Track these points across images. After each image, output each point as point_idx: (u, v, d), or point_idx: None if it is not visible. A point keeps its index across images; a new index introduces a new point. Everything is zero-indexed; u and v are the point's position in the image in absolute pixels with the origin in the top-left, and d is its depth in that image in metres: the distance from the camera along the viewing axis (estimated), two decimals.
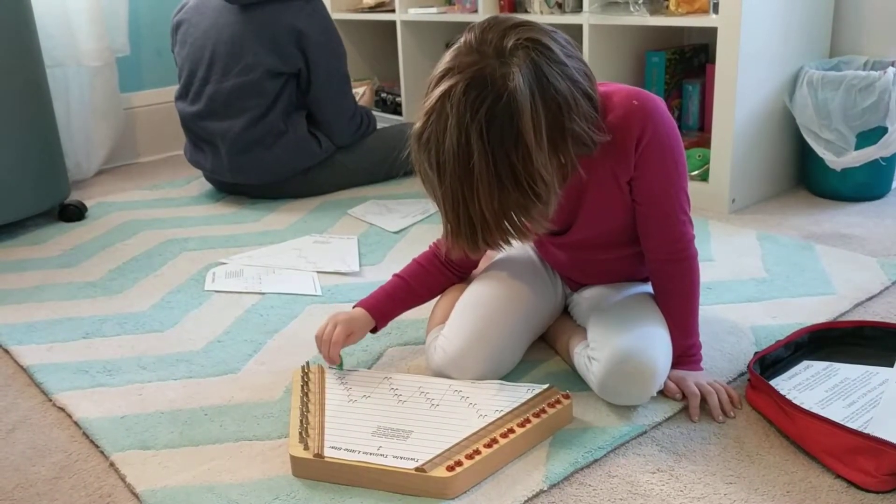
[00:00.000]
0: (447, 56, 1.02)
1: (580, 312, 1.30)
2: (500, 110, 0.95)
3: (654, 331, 1.15)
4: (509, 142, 0.96)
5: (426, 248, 1.34)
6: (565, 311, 1.37)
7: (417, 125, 1.01)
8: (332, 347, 1.23)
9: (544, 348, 1.33)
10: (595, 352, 1.15)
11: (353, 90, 2.54)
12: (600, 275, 1.29)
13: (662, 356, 1.13)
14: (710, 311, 1.43)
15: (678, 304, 1.20)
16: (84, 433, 1.18)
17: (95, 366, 1.37)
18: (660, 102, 1.12)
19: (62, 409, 1.25)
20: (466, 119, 0.95)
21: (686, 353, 1.19)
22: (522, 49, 0.97)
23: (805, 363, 1.22)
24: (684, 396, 1.15)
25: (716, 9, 1.88)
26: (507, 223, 1.01)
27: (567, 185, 1.07)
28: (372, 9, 2.85)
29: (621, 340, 1.12)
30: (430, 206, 2.08)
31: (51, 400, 1.28)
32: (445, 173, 0.98)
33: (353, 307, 1.29)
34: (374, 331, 1.30)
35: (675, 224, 1.16)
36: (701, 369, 1.19)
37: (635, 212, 1.17)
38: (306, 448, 1.06)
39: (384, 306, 1.29)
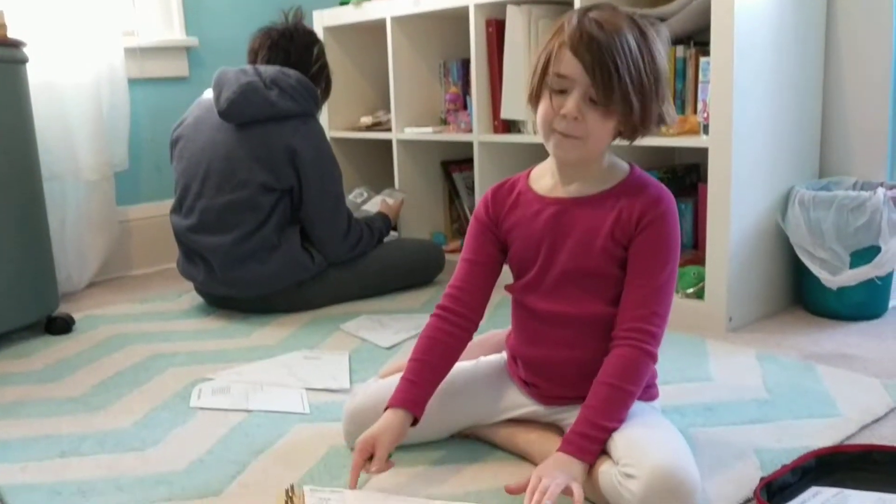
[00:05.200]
0: None
1: None
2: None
3: (683, 444, 1.13)
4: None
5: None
6: (541, 429, 1.32)
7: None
8: (351, 478, 1.20)
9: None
10: (631, 468, 1.08)
11: (385, 199, 2.58)
12: (572, 365, 1.25)
13: (697, 472, 1.09)
14: (713, 434, 1.38)
15: (621, 390, 1.16)
16: None
17: (69, 487, 1.30)
18: (676, 207, 1.24)
19: None
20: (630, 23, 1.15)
21: (588, 438, 1.13)
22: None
23: (814, 489, 1.17)
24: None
25: (706, 130, 1.92)
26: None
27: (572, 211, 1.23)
28: (369, 128, 2.91)
29: (660, 456, 1.07)
30: (424, 322, 2.06)
31: None
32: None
33: (384, 410, 1.25)
34: (414, 423, 1.25)
35: (648, 306, 1.19)
36: (591, 463, 1.13)
37: (611, 276, 1.21)
38: None
39: (411, 395, 1.25)
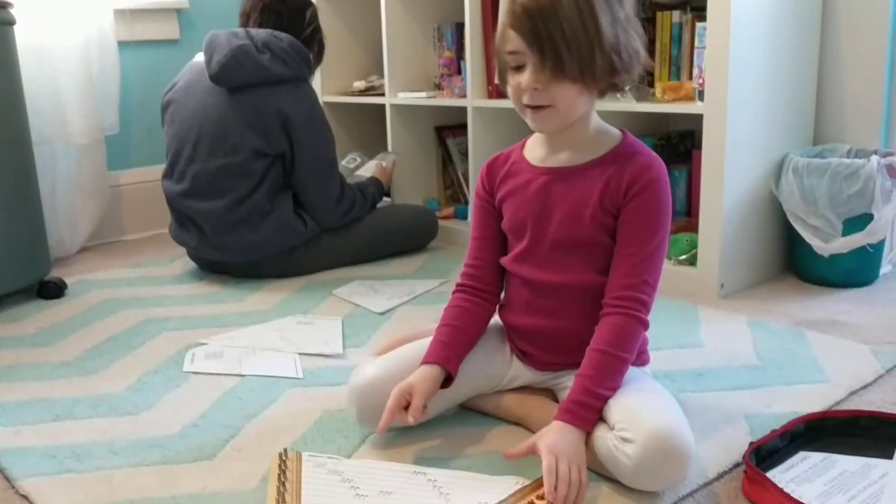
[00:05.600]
0: None
1: None
2: None
3: (678, 409, 1.13)
4: None
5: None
6: (537, 394, 1.33)
7: None
8: (384, 420, 1.18)
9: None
10: (627, 432, 1.08)
11: (379, 163, 2.57)
12: (565, 334, 1.26)
13: (692, 437, 1.09)
14: (703, 399, 1.39)
15: (613, 355, 1.16)
16: None
17: (64, 450, 1.31)
18: (667, 175, 1.23)
19: (25, 498, 1.18)
20: None
21: (585, 406, 1.13)
22: None
23: (802, 454, 1.18)
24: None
25: (701, 96, 1.91)
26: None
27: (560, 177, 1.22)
28: (362, 92, 2.89)
29: (656, 420, 1.08)
30: (417, 288, 2.08)
31: (14, 487, 1.21)
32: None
33: (420, 365, 1.25)
34: (446, 384, 1.26)
35: (638, 274, 1.19)
36: (588, 431, 1.13)
37: (601, 245, 1.21)
38: None
39: (444, 353, 1.26)
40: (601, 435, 1.13)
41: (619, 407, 1.13)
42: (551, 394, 1.33)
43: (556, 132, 1.24)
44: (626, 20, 1.17)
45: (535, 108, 1.19)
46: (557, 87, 1.15)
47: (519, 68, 1.17)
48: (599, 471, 1.14)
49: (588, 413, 1.13)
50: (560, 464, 1.06)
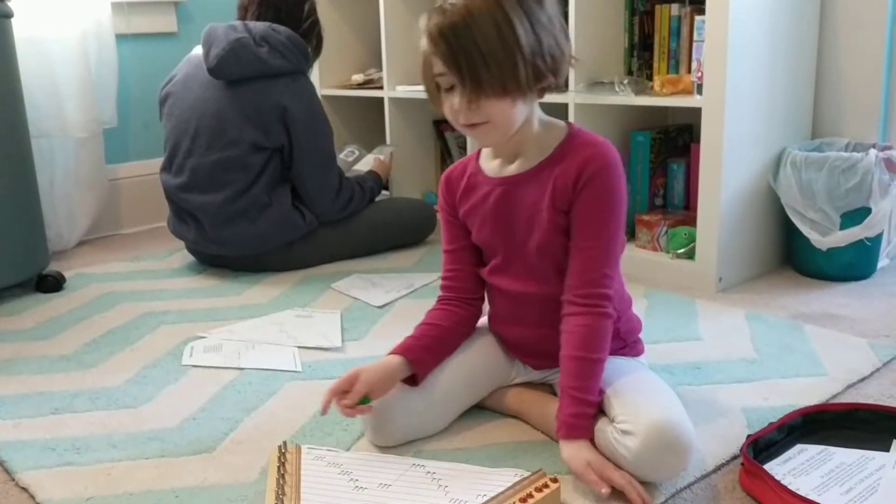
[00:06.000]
0: None
1: None
2: None
3: (676, 401, 1.13)
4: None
5: (416, 322, 1.32)
6: (535, 388, 1.34)
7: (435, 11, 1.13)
8: (324, 401, 1.19)
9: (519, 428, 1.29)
10: (627, 424, 1.08)
11: (377, 157, 2.57)
12: (548, 341, 1.23)
13: (692, 428, 1.09)
14: (700, 392, 1.40)
15: (589, 359, 1.15)
16: None
17: (63, 443, 1.31)
18: (619, 158, 1.19)
19: (25, 490, 1.19)
20: None
21: (582, 416, 1.13)
22: None
23: (799, 447, 1.19)
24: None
25: (700, 90, 1.91)
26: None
27: (507, 186, 1.21)
28: (360, 86, 2.88)
29: (656, 411, 1.08)
30: (415, 282, 2.08)
31: (14, 480, 1.22)
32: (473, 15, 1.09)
33: (387, 355, 1.24)
34: (413, 382, 1.24)
35: (597, 268, 1.16)
36: (590, 437, 1.13)
37: (568, 248, 1.19)
38: None
39: (416, 346, 1.24)
40: (601, 428, 1.13)
41: (619, 400, 1.13)
42: (549, 388, 1.34)
43: (500, 143, 1.22)
44: (549, 20, 1.14)
45: (473, 125, 1.16)
46: (488, 102, 1.13)
47: (451, 89, 1.15)
48: None
49: (585, 422, 1.13)
50: (611, 478, 1.07)
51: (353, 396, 1.18)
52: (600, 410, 1.15)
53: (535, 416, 1.28)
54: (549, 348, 1.22)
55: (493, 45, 1.09)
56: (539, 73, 1.13)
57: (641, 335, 1.35)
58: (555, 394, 1.29)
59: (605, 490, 1.05)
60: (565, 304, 1.19)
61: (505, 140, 1.20)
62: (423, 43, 1.15)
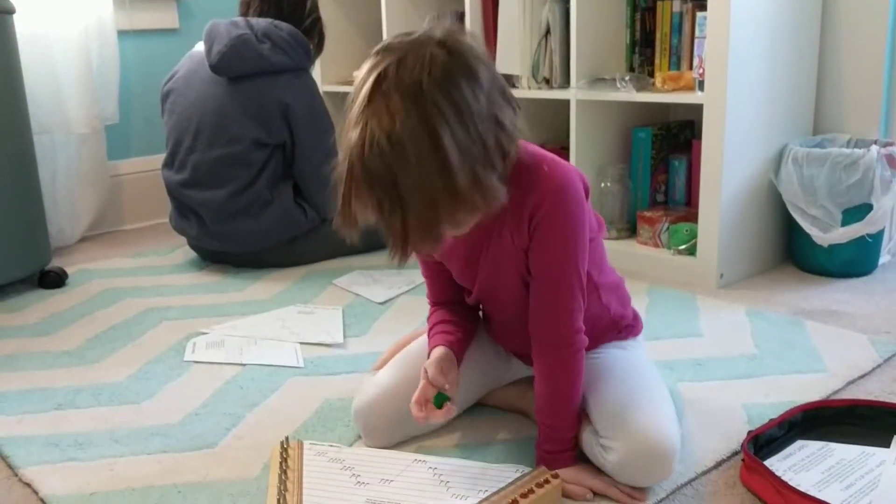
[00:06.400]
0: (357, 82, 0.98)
1: None
2: (453, 65, 0.95)
3: (660, 398, 1.13)
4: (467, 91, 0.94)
5: (417, 318, 1.32)
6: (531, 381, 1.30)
7: (353, 136, 0.95)
8: (419, 411, 1.13)
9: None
10: (607, 440, 1.09)
11: None
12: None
13: (675, 427, 1.09)
14: (701, 389, 1.40)
15: (561, 397, 1.13)
16: None
17: (66, 439, 1.32)
18: (573, 178, 1.08)
19: (28, 485, 1.19)
20: (415, 85, 0.92)
21: (559, 451, 1.13)
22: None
23: (799, 443, 1.19)
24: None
25: (701, 86, 1.91)
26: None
27: (471, 233, 1.05)
28: None
29: (636, 426, 1.07)
30: (416, 278, 2.08)
31: (17, 475, 1.22)
32: (407, 160, 0.92)
33: (430, 353, 1.21)
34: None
35: (563, 307, 1.11)
36: (572, 462, 1.13)
37: (530, 286, 1.13)
38: None
39: (450, 337, 1.22)
40: (587, 439, 1.14)
41: (600, 413, 1.12)
42: None
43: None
44: (488, 101, 0.97)
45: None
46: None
47: None
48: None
49: (563, 451, 1.13)
50: (591, 484, 1.09)
51: (455, 383, 1.16)
52: (586, 416, 1.15)
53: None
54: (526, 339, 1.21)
55: (427, 185, 0.93)
56: (494, 165, 0.98)
57: (640, 319, 1.32)
58: None
59: (589, 496, 1.09)
60: (533, 342, 1.14)
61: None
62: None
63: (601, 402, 1.14)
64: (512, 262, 1.13)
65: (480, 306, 1.33)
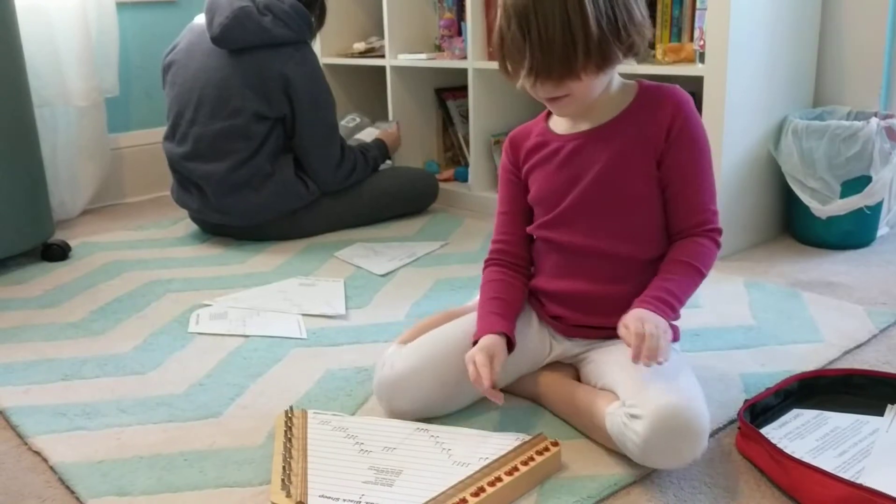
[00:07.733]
0: None
1: (595, 371, 1.22)
2: None
3: (694, 385, 1.10)
4: None
5: (417, 290, 1.32)
6: (556, 370, 1.30)
7: None
8: (485, 379, 1.12)
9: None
10: (636, 408, 1.04)
11: (384, 127, 2.57)
12: (596, 298, 1.23)
13: (706, 412, 1.06)
14: (699, 358, 1.42)
15: (690, 267, 1.17)
16: (59, 478, 1.15)
17: (74, 409, 1.34)
18: (692, 99, 1.22)
19: (38, 454, 1.21)
20: None
21: (664, 301, 1.13)
22: None
23: (795, 411, 1.21)
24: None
25: (702, 58, 1.91)
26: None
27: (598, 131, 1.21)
28: (362, 54, 2.87)
29: (666, 396, 1.03)
30: (417, 250, 2.10)
31: (26, 444, 1.25)
32: None
33: (473, 341, 1.19)
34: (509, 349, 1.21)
35: (705, 207, 1.20)
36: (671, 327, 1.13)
37: (664, 196, 1.21)
38: (288, 495, 1.03)
39: (508, 324, 1.22)
40: (612, 411, 1.09)
41: (632, 382, 1.09)
42: (574, 371, 1.29)
43: (579, 112, 1.22)
44: None
45: (553, 98, 1.17)
46: (569, 80, 1.13)
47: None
48: (610, 447, 1.13)
49: (665, 308, 1.12)
50: (639, 324, 1.07)
51: (496, 373, 1.15)
52: (613, 392, 1.13)
53: (552, 400, 1.25)
54: (594, 304, 1.23)
55: (556, 32, 1.08)
56: (611, 48, 1.12)
57: (679, 330, 1.26)
58: (580, 378, 1.27)
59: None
60: (676, 235, 1.21)
61: (584, 107, 1.21)
62: (499, 20, 1.15)
63: (632, 373, 1.10)
64: (635, 171, 1.20)
65: (533, 257, 1.32)
